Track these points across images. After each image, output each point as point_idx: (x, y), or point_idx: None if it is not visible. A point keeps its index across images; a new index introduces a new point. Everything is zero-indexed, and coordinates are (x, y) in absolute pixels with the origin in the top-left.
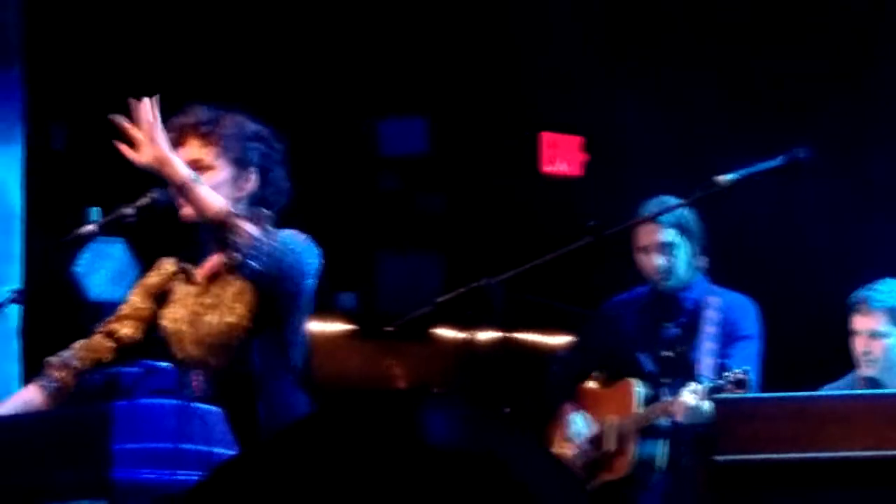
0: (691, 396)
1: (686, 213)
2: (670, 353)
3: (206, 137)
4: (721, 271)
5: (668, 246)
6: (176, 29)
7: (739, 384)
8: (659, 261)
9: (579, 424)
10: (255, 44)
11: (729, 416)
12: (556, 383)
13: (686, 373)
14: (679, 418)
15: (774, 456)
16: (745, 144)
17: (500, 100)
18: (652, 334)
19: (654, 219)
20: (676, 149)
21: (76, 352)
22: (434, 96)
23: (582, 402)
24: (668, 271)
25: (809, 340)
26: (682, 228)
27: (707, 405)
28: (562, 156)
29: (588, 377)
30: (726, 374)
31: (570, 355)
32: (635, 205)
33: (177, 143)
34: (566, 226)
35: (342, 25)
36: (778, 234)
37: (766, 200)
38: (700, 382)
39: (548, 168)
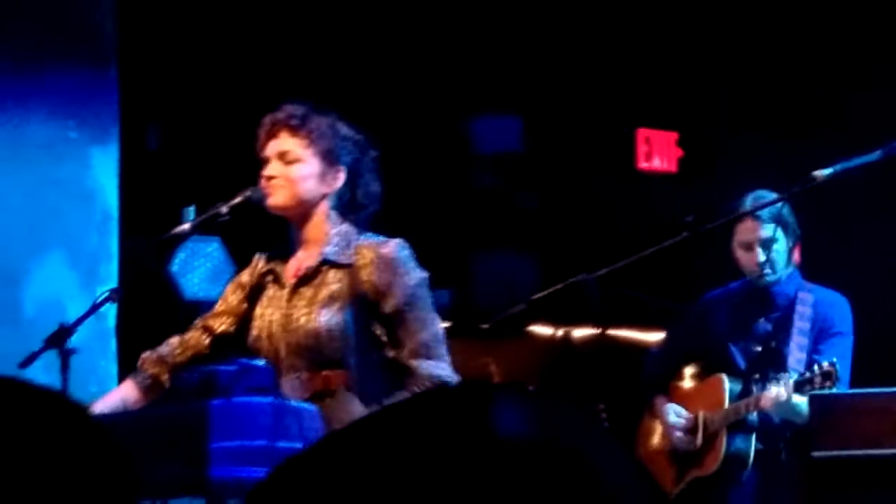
0: (780, 390)
1: (784, 208)
2: (762, 348)
3: (297, 130)
4: (817, 267)
5: (769, 241)
6: (270, 29)
7: (827, 377)
8: (761, 256)
9: (674, 415)
10: (351, 43)
11: (825, 411)
12: (649, 381)
13: (776, 367)
14: (768, 412)
15: (872, 452)
16: (842, 139)
17: (594, 97)
18: (744, 329)
19: (753, 214)
20: (772, 144)
21: (172, 347)
22: (529, 94)
23: (674, 398)
24: (770, 266)
25: None
26: (780, 223)
27: (797, 399)
28: (658, 152)
29: (680, 372)
30: (815, 367)
31: (663, 352)
32: (730, 200)
33: (268, 137)
34: (662, 223)
35: (439, 24)
36: (877, 230)
37: (863, 195)
38: (789, 378)
39: (644, 165)
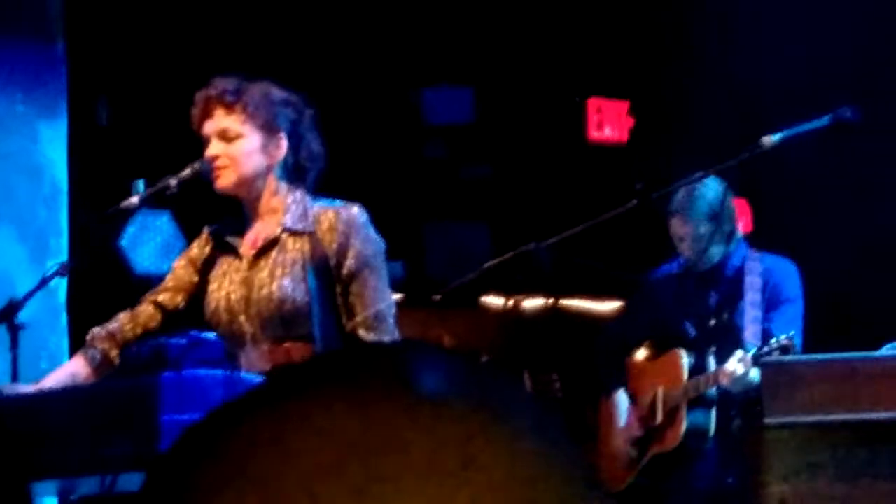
0: (738, 365)
1: (714, 198)
2: (714, 321)
3: (232, 106)
4: (765, 233)
5: (700, 237)
6: (217, 1)
7: (785, 351)
8: (688, 252)
9: (623, 408)
10: (304, 12)
11: (775, 378)
12: (603, 356)
13: (730, 339)
14: (727, 387)
15: (822, 417)
16: (790, 105)
17: (545, 67)
18: (695, 303)
19: (682, 212)
20: (722, 111)
21: (121, 323)
22: (480, 64)
23: (630, 374)
24: (702, 260)
25: (859, 299)
26: (711, 216)
27: (755, 373)
28: (609, 121)
29: (635, 349)
30: (772, 341)
31: (615, 327)
32: (683, 169)
33: (204, 115)
34: (613, 193)
35: None
36: (825, 195)
37: (813, 160)
38: (746, 351)
39: (595, 134)
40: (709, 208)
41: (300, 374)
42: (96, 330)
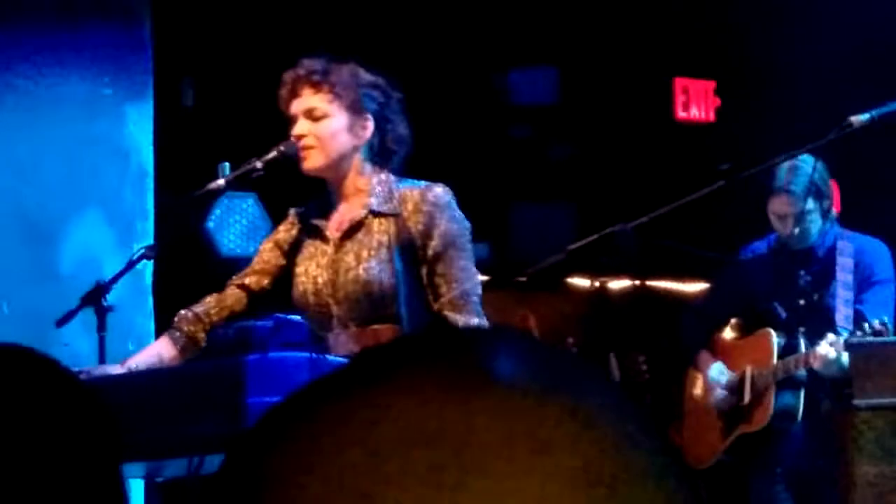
0: (830, 348)
1: (817, 175)
2: (804, 302)
3: (319, 86)
4: (854, 213)
5: (802, 214)
6: None
7: (878, 335)
8: (794, 230)
9: (717, 372)
10: None
11: (865, 360)
12: (689, 333)
13: (820, 320)
14: (819, 370)
15: None
16: (879, 86)
17: (631, 46)
18: (786, 283)
19: (786, 189)
20: (810, 90)
21: (208, 306)
22: (565, 44)
23: (716, 351)
24: (803, 238)
25: None
26: (814, 192)
27: (846, 357)
28: (696, 101)
29: (722, 327)
30: (865, 325)
31: (703, 304)
32: (770, 149)
33: (292, 95)
34: (699, 173)
35: None
36: None
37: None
38: (838, 334)
39: (681, 114)
40: (812, 184)
41: (378, 360)
42: (183, 312)
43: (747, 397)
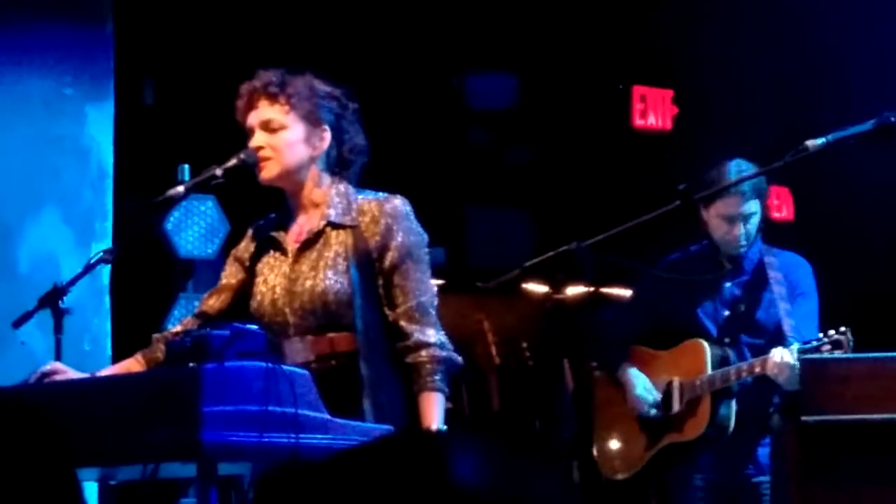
0: (784, 354)
1: (762, 179)
2: (730, 312)
3: (275, 97)
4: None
5: (750, 216)
6: None
7: (837, 345)
8: (741, 231)
9: (641, 383)
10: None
11: (816, 376)
12: (608, 341)
13: (747, 332)
14: (774, 377)
15: (863, 416)
16: (838, 106)
17: (590, 54)
18: (710, 294)
19: (737, 189)
20: (768, 101)
21: (176, 329)
22: (524, 50)
23: (638, 361)
24: (746, 238)
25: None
26: (759, 195)
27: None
28: (653, 109)
29: (642, 336)
30: (829, 333)
31: (623, 314)
32: (709, 168)
33: (248, 107)
34: (656, 181)
35: None
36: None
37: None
38: (789, 344)
39: (639, 122)
40: (759, 187)
41: (341, 461)
42: (157, 335)
43: (676, 407)
